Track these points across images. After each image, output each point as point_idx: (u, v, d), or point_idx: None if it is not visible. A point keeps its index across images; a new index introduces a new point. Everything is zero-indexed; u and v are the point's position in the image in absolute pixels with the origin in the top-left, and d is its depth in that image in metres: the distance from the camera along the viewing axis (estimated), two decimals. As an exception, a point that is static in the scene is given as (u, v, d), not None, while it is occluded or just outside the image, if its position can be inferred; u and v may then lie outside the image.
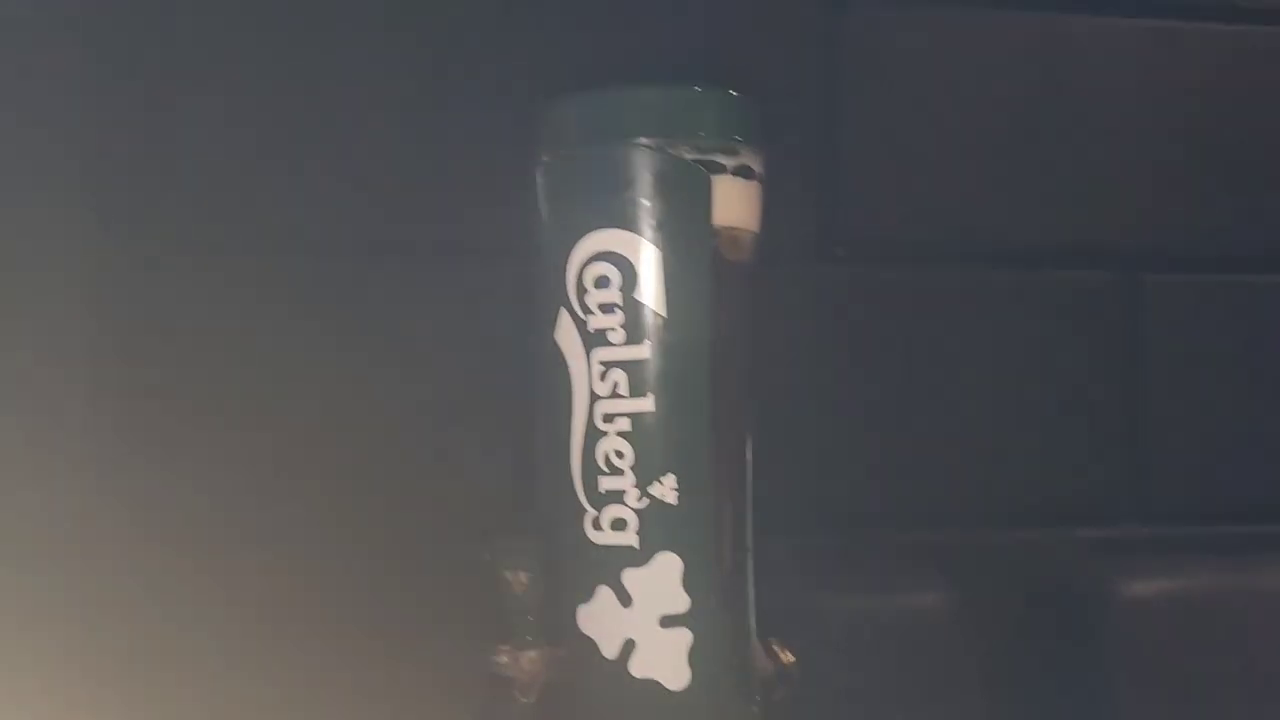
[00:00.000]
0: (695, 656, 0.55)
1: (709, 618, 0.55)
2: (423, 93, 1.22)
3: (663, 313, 0.54)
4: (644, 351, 0.54)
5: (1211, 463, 1.52)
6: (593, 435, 0.55)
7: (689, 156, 0.55)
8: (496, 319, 1.12)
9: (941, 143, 1.45)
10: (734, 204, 0.56)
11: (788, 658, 0.60)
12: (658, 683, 0.55)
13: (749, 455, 0.59)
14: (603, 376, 0.55)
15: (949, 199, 1.46)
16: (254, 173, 1.18)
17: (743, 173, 0.57)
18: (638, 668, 0.55)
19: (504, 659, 0.63)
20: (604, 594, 0.55)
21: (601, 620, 0.56)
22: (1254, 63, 1.49)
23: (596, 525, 0.55)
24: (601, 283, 0.55)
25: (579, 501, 0.56)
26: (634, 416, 0.54)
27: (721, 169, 0.55)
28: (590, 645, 0.56)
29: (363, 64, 1.20)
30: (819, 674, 1.27)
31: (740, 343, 0.59)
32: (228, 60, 1.17)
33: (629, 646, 0.55)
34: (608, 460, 0.55)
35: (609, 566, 0.55)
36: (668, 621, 0.55)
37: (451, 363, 1.19)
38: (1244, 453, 1.52)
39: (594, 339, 0.55)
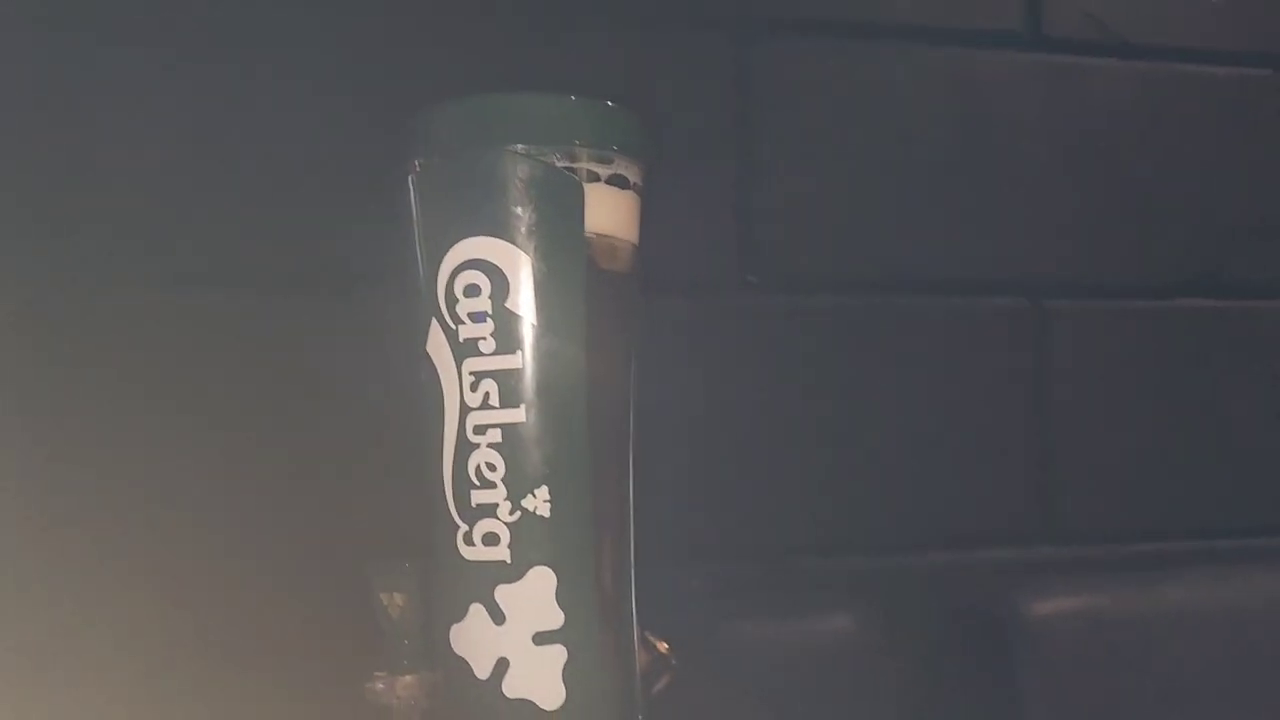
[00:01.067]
0: (570, 674, 0.53)
1: (585, 634, 0.54)
2: (310, 117, 1.20)
3: (535, 321, 0.53)
4: (516, 361, 0.53)
5: (1115, 484, 1.55)
6: (464, 448, 0.54)
7: (562, 164, 0.54)
8: (382, 344, 1.10)
9: (852, 174, 1.47)
10: (609, 213, 0.56)
11: (663, 647, 0.59)
12: (532, 702, 0.53)
13: (629, 468, 0.59)
14: (474, 387, 0.54)
15: (860, 229, 1.48)
16: (152, 203, 1.15)
17: (618, 182, 0.56)
18: (511, 688, 0.53)
19: (380, 686, 0.61)
20: (477, 612, 0.54)
21: (474, 640, 0.54)
22: (1149, 99, 1.54)
23: (469, 540, 0.54)
24: (471, 291, 0.53)
25: (451, 517, 0.54)
26: (506, 428, 0.53)
27: (595, 178, 0.55)
28: (463, 666, 0.54)
29: (253, 88, 1.18)
30: (735, 699, 1.26)
31: (619, 354, 0.58)
32: (117, 87, 1.14)
33: (502, 666, 0.53)
34: (479, 473, 0.54)
35: (481, 583, 0.54)
36: (541, 638, 0.53)
37: (347, 390, 1.17)
38: (1145, 474, 1.56)
39: (464, 349, 0.54)
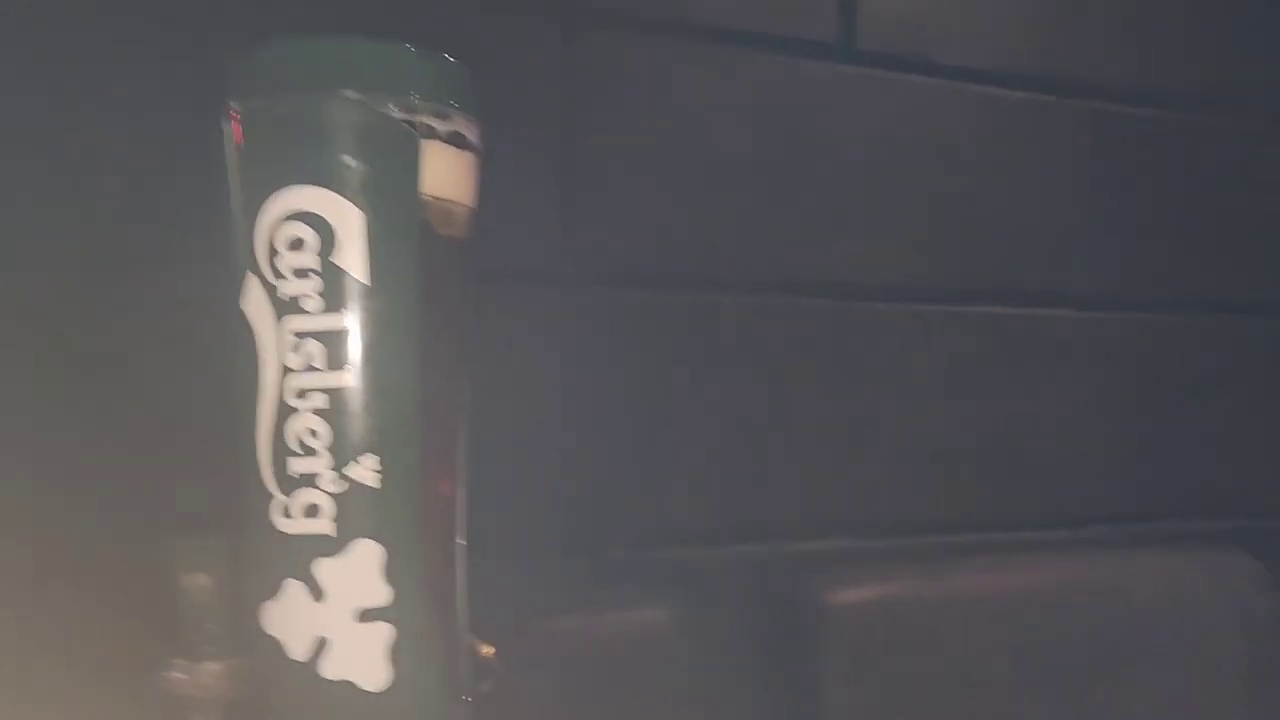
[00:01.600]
0: (397, 654, 0.50)
1: (414, 611, 0.51)
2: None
3: (366, 281, 0.50)
4: (344, 322, 0.50)
5: (910, 480, 1.64)
6: (283, 413, 0.50)
7: (398, 115, 0.51)
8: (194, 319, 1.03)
9: (670, 171, 1.50)
10: (446, 173, 0.53)
11: (487, 651, 0.57)
12: (353, 684, 0.50)
13: (461, 439, 0.56)
14: (295, 348, 0.50)
15: (677, 226, 1.51)
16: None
17: (456, 141, 0.54)
18: (331, 668, 0.50)
19: (179, 675, 0.56)
20: (293, 589, 0.50)
21: (290, 618, 0.50)
22: (952, 116, 1.65)
23: (286, 513, 0.50)
24: (296, 245, 0.50)
25: (265, 487, 0.50)
26: (331, 392, 0.50)
27: (433, 133, 0.52)
28: (277, 647, 0.50)
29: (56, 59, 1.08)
30: (545, 691, 1.25)
31: (454, 322, 0.56)
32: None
33: (321, 645, 0.50)
34: (300, 440, 0.50)
35: (299, 558, 0.50)
36: (366, 616, 0.50)
37: (151, 364, 1.08)
38: (938, 470, 1.66)
39: (286, 306, 0.50)
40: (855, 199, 1.59)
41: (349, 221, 0.50)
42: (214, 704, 0.55)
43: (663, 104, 1.46)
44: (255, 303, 0.50)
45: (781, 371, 1.56)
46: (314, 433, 0.50)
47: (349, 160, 0.50)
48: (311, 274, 0.50)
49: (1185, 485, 1.81)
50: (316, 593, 0.50)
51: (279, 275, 0.50)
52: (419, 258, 0.51)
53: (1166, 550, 1.73)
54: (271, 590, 0.50)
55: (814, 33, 1.56)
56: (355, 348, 0.50)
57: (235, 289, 0.51)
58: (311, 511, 0.50)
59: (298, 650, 0.50)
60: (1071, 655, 1.52)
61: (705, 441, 1.52)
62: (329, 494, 0.50)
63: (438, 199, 0.53)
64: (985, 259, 1.67)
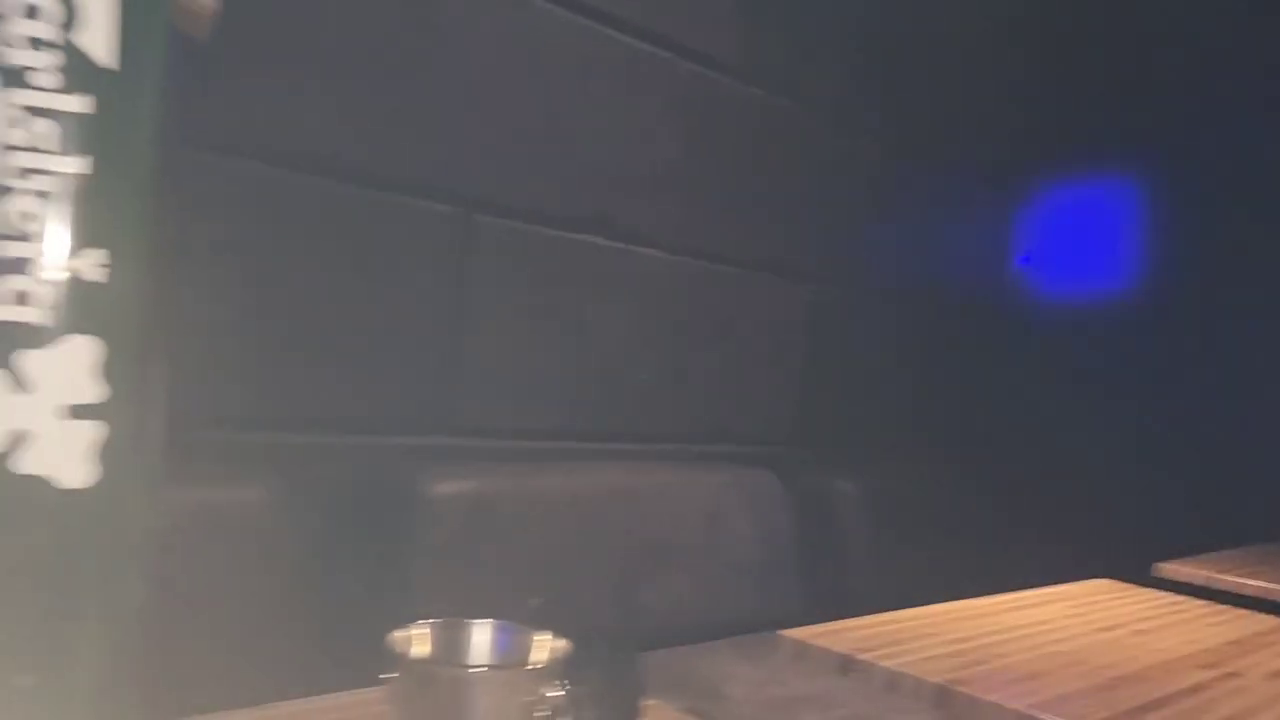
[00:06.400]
0: (105, 453, 0.50)
1: (125, 410, 0.50)
2: None
3: (113, 66, 0.48)
4: (84, 105, 0.48)
5: (508, 387, 1.76)
6: (-4, 190, 0.47)
7: (161, -98, 0.49)
8: None
9: (329, 67, 1.46)
10: (201, -27, 0.52)
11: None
12: (46, 480, 0.48)
13: (174, 241, 0.55)
14: (19, 123, 0.47)
15: (329, 114, 1.48)
16: None
17: (212, -56, 0.53)
18: (29, 463, 0.48)
19: None
20: (-10, 377, 0.47)
21: (-17, 409, 0.47)
22: (586, 51, 1.76)
23: (-10, 297, 0.47)
24: (31, 12, 0.47)
25: (-35, 267, 0.47)
26: (61, 177, 0.47)
27: (192, -71, 0.51)
28: (-39, 438, 0.47)
29: None
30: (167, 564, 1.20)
31: (175, 126, 0.54)
32: None
33: (19, 439, 0.48)
34: (13, 223, 0.47)
35: (3, 347, 0.47)
36: (76, 412, 0.49)
37: None
38: (533, 380, 1.79)
39: (13, 77, 0.47)
40: (482, 117, 1.66)
41: (99, 0, 0.47)
42: None
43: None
44: (-28, 66, 0.46)
45: (398, 272, 1.60)
46: (32, 217, 0.47)
47: (108, -65, 0.47)
48: (51, 47, 0.47)
49: (731, 414, 2.13)
50: (20, 384, 0.48)
51: (3, 42, 0.46)
52: (165, 50, 0.50)
53: (710, 467, 2.03)
54: (-38, 377, 0.47)
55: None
56: (95, 135, 0.48)
57: (-55, 46, 0.46)
58: (20, 299, 0.47)
59: (-12, 442, 0.47)
60: (628, 547, 1.75)
61: (316, 332, 1.51)
62: (44, 283, 0.48)
63: None
64: (590, 194, 1.82)
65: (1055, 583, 1.57)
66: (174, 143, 0.53)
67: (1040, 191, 2.69)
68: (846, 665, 1.02)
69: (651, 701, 0.84)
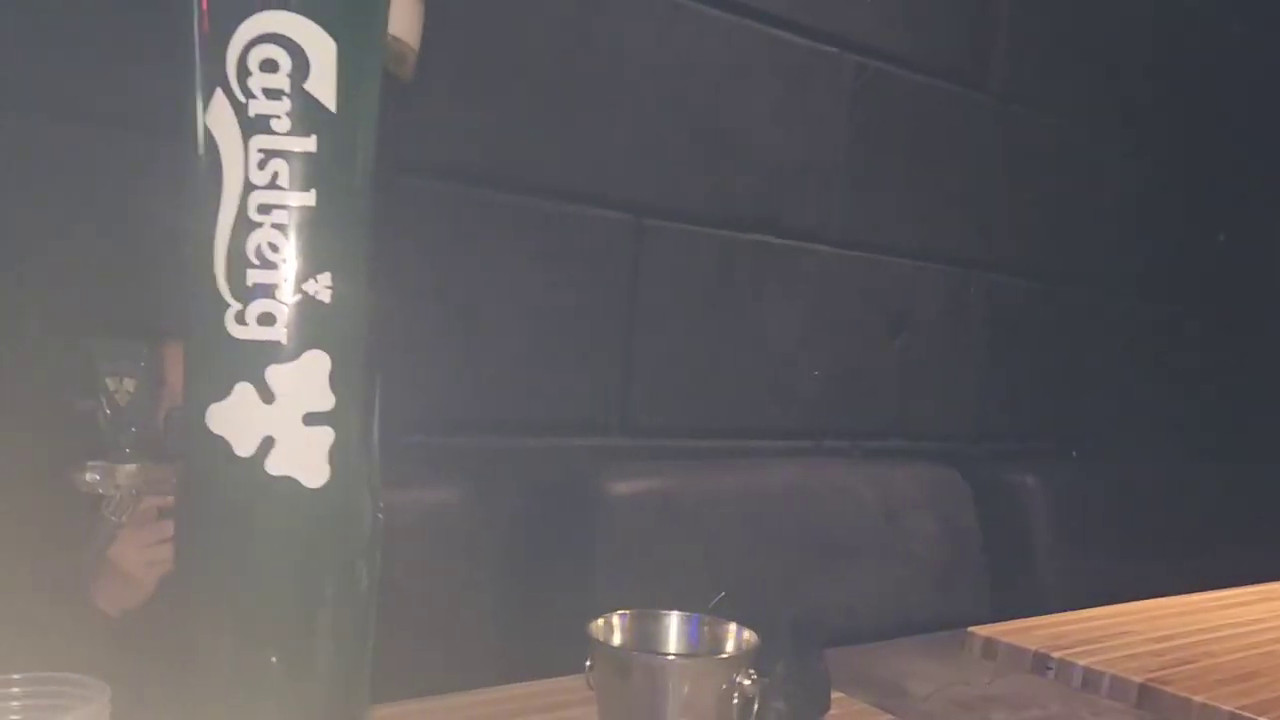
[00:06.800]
0: (336, 454, 0.55)
1: (350, 417, 0.56)
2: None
3: (332, 108, 0.53)
4: (310, 144, 0.53)
5: (680, 388, 1.80)
6: (244, 227, 0.53)
7: (372, -43, 0.54)
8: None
9: (503, 86, 1.54)
10: (404, 15, 0.57)
11: None
12: (295, 480, 0.54)
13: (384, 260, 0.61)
14: (261, 165, 0.53)
15: (506, 134, 1.55)
16: None
17: (413, -13, 0.58)
18: (276, 465, 0.54)
19: (94, 476, 0.57)
20: (244, 391, 0.53)
21: (238, 418, 0.54)
22: (739, 55, 1.78)
23: (240, 319, 0.53)
24: (269, 66, 0.52)
25: (221, 295, 0.53)
26: (294, 210, 0.53)
27: (398, -22, 0.56)
28: (222, 445, 0.54)
29: None
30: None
31: (385, 157, 0.59)
32: None
33: (268, 444, 0.54)
34: (259, 253, 0.53)
35: (252, 362, 0.53)
36: (311, 419, 0.54)
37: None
38: (706, 381, 1.82)
39: (254, 125, 0.53)
40: (648, 124, 1.69)
41: (323, 50, 0.53)
42: (126, 502, 0.57)
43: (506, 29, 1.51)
44: (221, 118, 0.52)
45: (574, 279, 1.66)
46: (274, 247, 0.53)
47: (330, -8, 0.53)
48: (283, 96, 0.52)
49: (907, 409, 2.09)
50: (267, 395, 0.54)
51: (249, 94, 0.52)
52: (380, 91, 0.55)
53: (887, 463, 2.00)
54: (222, 392, 0.53)
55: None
56: (320, 170, 0.53)
57: (201, 104, 0.53)
58: (267, 320, 0.53)
59: (244, 448, 0.54)
60: (806, 547, 1.75)
61: (500, 340, 1.59)
62: (285, 305, 0.53)
63: (396, 39, 0.57)
64: (758, 194, 1.83)
65: (1265, 582, 1.47)
66: (384, 172, 0.58)
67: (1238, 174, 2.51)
68: (1040, 663, 0.99)
69: (837, 695, 0.85)
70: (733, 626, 0.70)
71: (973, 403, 2.18)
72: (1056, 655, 0.98)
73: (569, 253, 1.65)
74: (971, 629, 1.09)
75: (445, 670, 1.05)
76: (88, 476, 0.57)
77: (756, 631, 0.71)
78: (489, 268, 1.56)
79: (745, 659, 0.67)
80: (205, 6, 0.53)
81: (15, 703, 0.49)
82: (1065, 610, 1.19)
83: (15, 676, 0.49)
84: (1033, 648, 1.00)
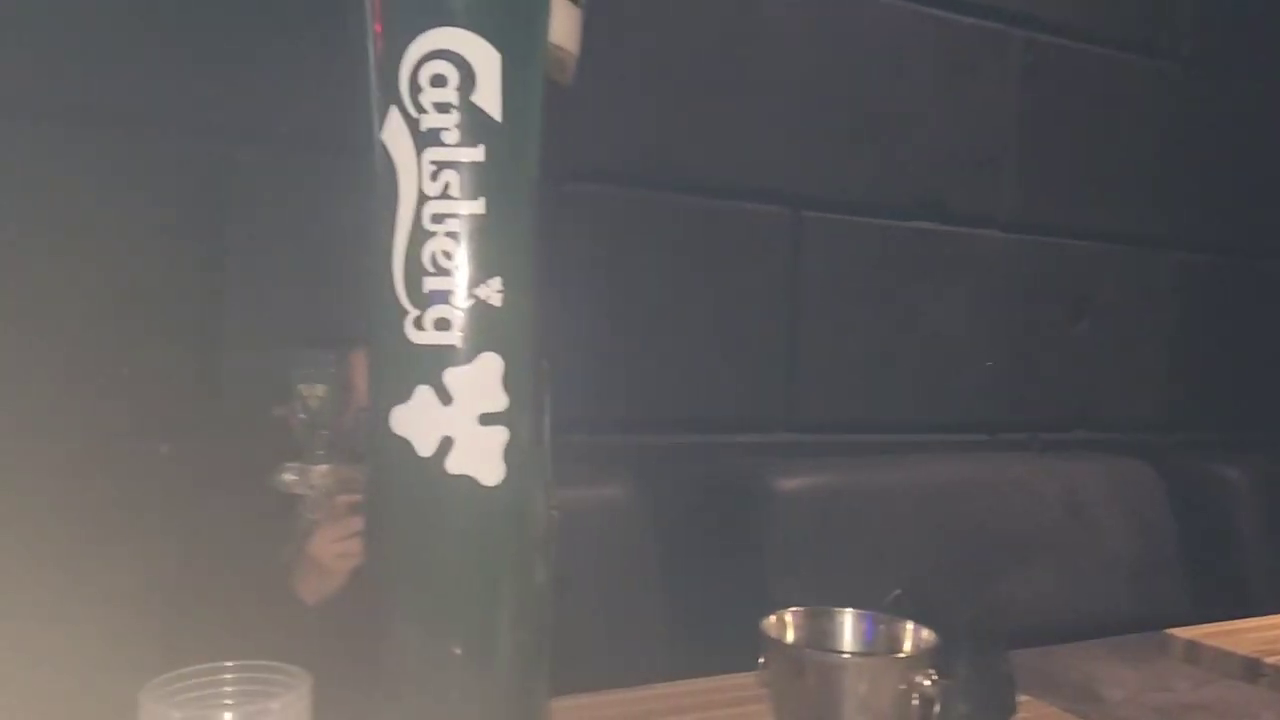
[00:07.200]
0: (510, 453, 0.57)
1: (523, 417, 0.57)
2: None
3: (498, 118, 0.55)
4: (479, 154, 0.55)
5: (845, 383, 1.76)
6: (419, 236, 0.55)
7: (533, -33, 0.56)
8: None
9: (657, 86, 1.55)
10: (562, 22, 0.58)
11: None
12: (473, 478, 0.56)
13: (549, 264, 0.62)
14: (434, 176, 0.55)
15: (660, 134, 1.56)
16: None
17: (573, -6, 0.59)
18: (454, 464, 0.56)
19: (291, 477, 0.61)
20: (423, 394, 0.56)
21: (419, 420, 0.56)
22: (899, 39, 1.73)
23: (419, 325, 0.56)
24: (438, 81, 0.54)
25: (400, 303, 0.56)
26: (465, 219, 0.55)
27: (557, -15, 0.57)
28: (404, 446, 0.56)
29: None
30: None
31: (549, 163, 0.61)
32: None
33: (446, 444, 0.56)
34: (434, 261, 0.55)
35: (430, 366, 0.56)
36: (487, 419, 0.56)
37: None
38: (872, 374, 1.78)
39: (426, 138, 0.55)
40: (804, 115, 1.67)
41: (488, 62, 0.55)
42: (320, 500, 0.60)
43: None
44: (395, 134, 0.55)
45: (733, 275, 1.65)
46: (447, 255, 0.55)
47: (493, 4, 0.54)
48: (452, 109, 0.54)
49: (1089, 399, 1.98)
50: (445, 397, 0.56)
51: (421, 109, 0.55)
52: (543, 98, 0.57)
53: (1069, 456, 1.90)
54: (403, 395, 0.56)
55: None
56: (488, 179, 0.55)
57: (376, 122, 0.55)
58: (442, 325, 0.56)
59: (424, 448, 0.56)
60: (983, 543, 1.68)
61: (661, 339, 1.60)
62: (459, 310, 0.55)
63: (556, 46, 0.58)
64: (921, 179, 1.77)
65: None
66: (549, 178, 0.59)
67: None
68: (1252, 669, 0.92)
69: (1023, 698, 0.82)
70: (910, 625, 0.68)
71: (1163, 391, 2.04)
72: (1271, 661, 0.90)
73: (727, 249, 1.65)
74: (1171, 630, 1.02)
75: (611, 665, 1.06)
76: (285, 477, 0.61)
77: (935, 630, 0.69)
78: (648, 268, 1.57)
79: (925, 659, 0.65)
80: (379, 29, 0.56)
81: (228, 689, 0.53)
82: (1276, 613, 1.10)
83: (227, 664, 0.53)
84: (1243, 652, 0.93)
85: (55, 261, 1.08)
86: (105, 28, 1.11)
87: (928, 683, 0.64)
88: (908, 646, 0.67)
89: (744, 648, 0.74)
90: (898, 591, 0.77)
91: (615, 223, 1.54)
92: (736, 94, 1.61)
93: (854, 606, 0.73)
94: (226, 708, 0.52)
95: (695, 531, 1.52)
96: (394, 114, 0.55)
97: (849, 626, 0.71)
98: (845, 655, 0.68)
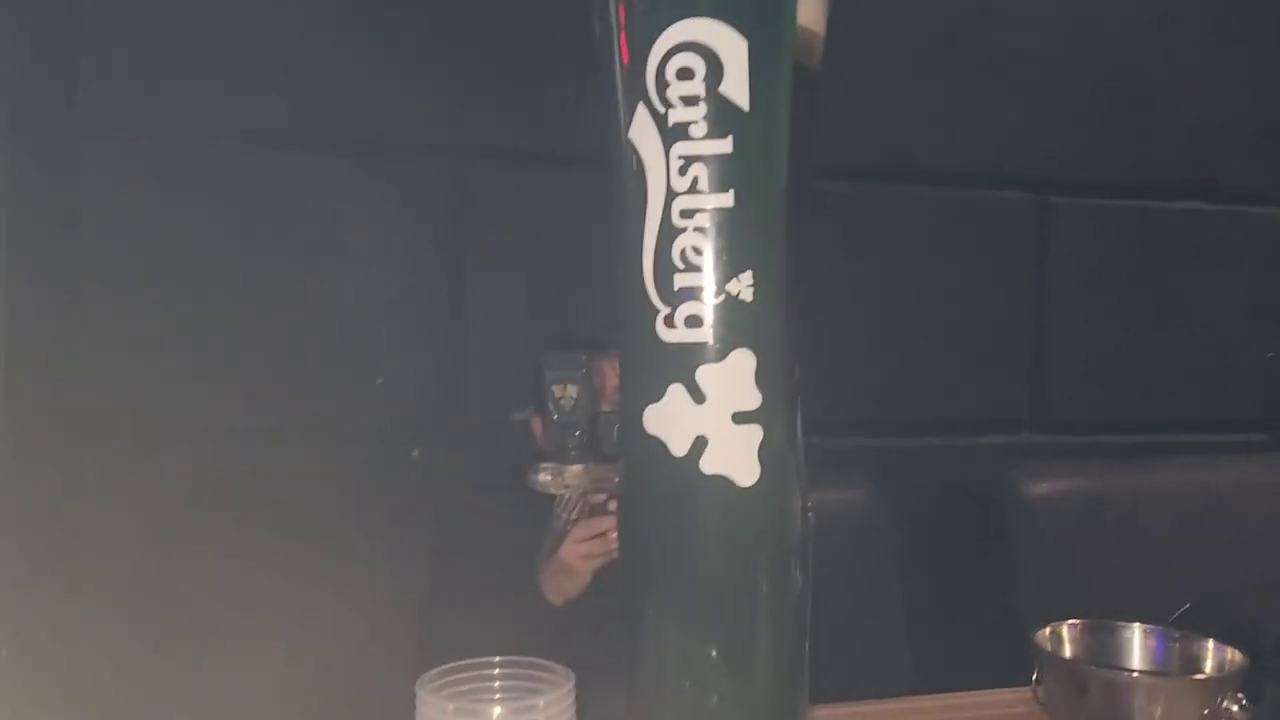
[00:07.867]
0: (765, 453, 0.55)
1: (776, 415, 0.55)
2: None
3: (746, 107, 0.53)
4: (726, 146, 0.54)
5: (1102, 378, 1.63)
6: (669, 233, 0.55)
7: (779, -53, 0.54)
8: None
9: (886, 76, 1.50)
10: (810, 3, 0.56)
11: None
12: (728, 479, 0.55)
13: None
14: (682, 171, 0.54)
15: (899, 124, 1.51)
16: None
17: (818, -26, 0.56)
18: (709, 464, 0.55)
19: (546, 477, 0.62)
20: (676, 392, 0.55)
21: (672, 419, 0.55)
22: (1155, 5, 1.58)
23: (669, 323, 0.55)
24: (685, 74, 0.53)
25: (651, 300, 0.55)
26: (714, 213, 0.54)
27: (804, -36, 0.55)
28: (658, 445, 0.55)
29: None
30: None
31: (799, 150, 0.58)
32: None
33: (700, 444, 0.55)
34: (684, 257, 0.54)
35: (683, 364, 0.55)
36: (740, 418, 0.55)
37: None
38: (1131, 369, 1.64)
39: (674, 133, 0.54)
40: (1047, 92, 1.55)
41: (735, 51, 0.53)
42: (575, 499, 0.61)
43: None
44: (643, 131, 0.55)
45: (970, 268, 1.56)
46: (697, 250, 0.54)
47: (739, -8, 0.53)
48: (699, 102, 0.53)
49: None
50: (698, 396, 0.55)
51: (668, 104, 0.54)
52: (791, 84, 0.55)
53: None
54: (656, 394, 0.55)
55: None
56: (737, 171, 0.54)
57: (624, 122, 0.55)
58: (694, 322, 0.54)
59: (678, 448, 0.55)
60: (1268, 548, 1.51)
61: (893, 336, 1.53)
62: (710, 306, 0.54)
63: (803, 28, 0.56)
64: (1187, 155, 1.61)
65: None
66: (799, 170, 0.57)
67: None
68: None
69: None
70: (1210, 643, 0.61)
71: None
72: None
73: (966, 241, 1.56)
74: None
75: (852, 675, 1.03)
76: (541, 477, 0.62)
77: (1238, 649, 0.62)
78: (884, 265, 1.51)
79: (1233, 681, 0.58)
80: (623, 24, 0.55)
81: (496, 683, 0.55)
82: None
83: (495, 659, 0.54)
84: None
85: (312, 279, 1.17)
86: (348, 60, 1.20)
87: (1235, 708, 0.57)
88: (1209, 667, 0.60)
89: (998, 661, 0.68)
90: (1186, 605, 0.69)
91: (849, 217, 1.49)
92: (975, 76, 1.53)
93: (1122, 620, 0.67)
94: (495, 702, 0.53)
95: (935, 537, 1.46)
96: (641, 111, 0.55)
97: (1136, 642, 0.64)
98: (1137, 674, 0.62)
